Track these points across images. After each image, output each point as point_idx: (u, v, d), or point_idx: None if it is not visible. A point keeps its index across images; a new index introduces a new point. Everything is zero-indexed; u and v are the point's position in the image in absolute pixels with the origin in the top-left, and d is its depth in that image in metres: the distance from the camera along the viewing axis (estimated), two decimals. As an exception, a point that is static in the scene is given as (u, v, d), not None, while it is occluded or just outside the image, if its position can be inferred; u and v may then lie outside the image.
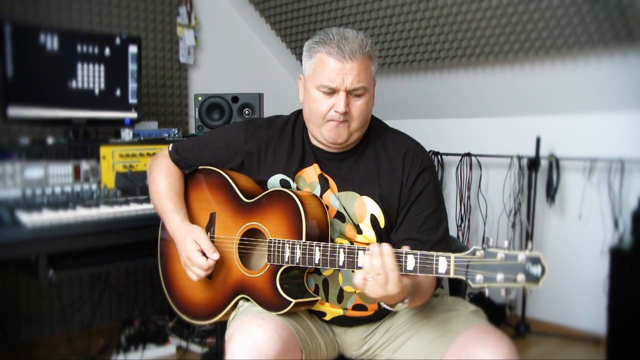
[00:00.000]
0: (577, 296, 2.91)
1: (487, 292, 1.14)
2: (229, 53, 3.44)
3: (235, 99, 2.62)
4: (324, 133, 1.45)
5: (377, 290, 1.22)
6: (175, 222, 1.56)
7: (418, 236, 1.42)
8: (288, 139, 1.56)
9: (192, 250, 1.47)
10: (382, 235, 1.47)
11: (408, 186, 1.46)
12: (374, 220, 1.46)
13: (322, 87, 1.41)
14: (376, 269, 1.21)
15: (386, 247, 1.23)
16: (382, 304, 1.32)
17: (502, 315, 3.04)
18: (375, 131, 1.54)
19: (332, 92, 1.41)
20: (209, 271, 1.49)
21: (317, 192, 1.50)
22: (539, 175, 2.95)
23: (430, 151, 3.29)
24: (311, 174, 1.52)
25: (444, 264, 1.18)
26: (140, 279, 2.95)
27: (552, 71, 2.75)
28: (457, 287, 1.71)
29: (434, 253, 1.20)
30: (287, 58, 3.63)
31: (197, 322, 1.63)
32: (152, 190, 1.67)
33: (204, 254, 1.48)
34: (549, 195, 2.93)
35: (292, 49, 3.53)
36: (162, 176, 1.65)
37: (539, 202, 2.99)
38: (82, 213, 1.83)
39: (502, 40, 2.69)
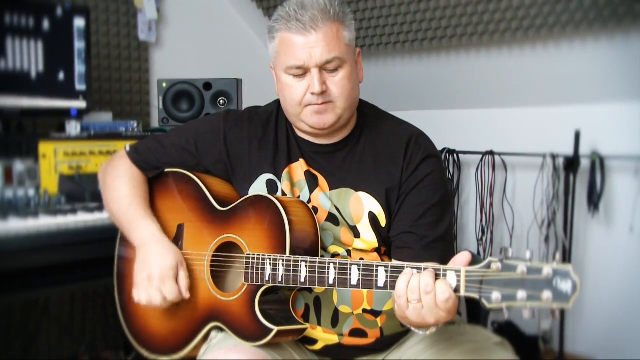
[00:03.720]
0: (629, 327, 2.91)
1: (506, 314, 1.15)
2: (199, 29, 3.44)
3: (207, 85, 2.63)
4: (306, 120, 1.49)
5: (427, 315, 1.21)
6: (151, 231, 1.56)
7: (414, 230, 1.45)
8: (272, 132, 1.60)
9: (170, 274, 1.49)
10: (384, 236, 1.50)
11: (408, 173, 1.49)
12: (373, 219, 1.49)
13: (290, 69, 1.46)
14: (425, 287, 1.20)
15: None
16: (415, 329, 1.32)
17: (534, 349, 3.03)
18: (370, 118, 1.59)
19: (304, 72, 1.45)
20: (164, 306, 1.50)
21: (306, 192, 1.53)
22: (579, 177, 2.96)
23: (444, 149, 3.30)
24: (298, 171, 1.56)
25: (454, 279, 1.19)
26: (89, 306, 2.94)
27: (595, 50, 2.76)
28: (476, 315, 1.73)
29: (442, 267, 1.21)
30: (270, 36, 3.63)
31: (160, 359, 1.62)
32: (110, 197, 1.68)
33: None
34: (592, 203, 2.94)
35: (276, 25, 3.53)
36: (123, 180, 1.66)
37: (579, 210, 3.00)
38: (15, 225, 1.82)
39: (534, 12, 2.70)
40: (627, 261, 2.92)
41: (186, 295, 1.50)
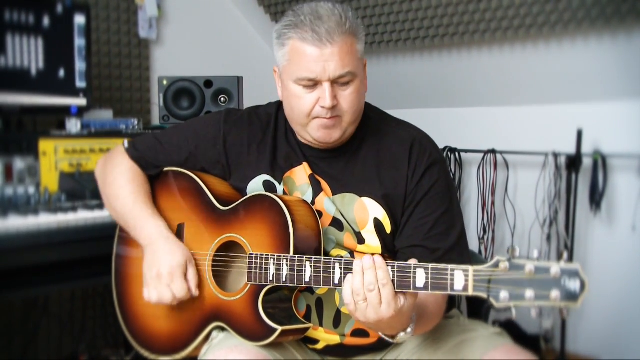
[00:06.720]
0: (631, 326, 2.91)
1: (514, 313, 1.15)
2: (200, 26, 3.44)
3: (208, 83, 2.63)
4: (312, 133, 1.48)
5: (370, 314, 1.23)
6: (159, 229, 1.56)
7: (425, 243, 1.45)
8: (271, 136, 1.59)
9: (179, 271, 1.48)
10: (389, 243, 1.49)
11: (414, 182, 1.48)
12: (378, 225, 1.48)
13: (300, 80, 1.43)
14: (368, 285, 1.23)
15: (378, 258, 1.25)
16: (381, 334, 1.33)
17: (535, 348, 3.03)
18: (373, 121, 1.57)
19: (314, 84, 1.42)
20: (173, 303, 1.50)
21: (309, 195, 1.52)
22: (581, 176, 2.95)
23: (445, 147, 3.30)
24: (301, 174, 1.54)
25: (461, 279, 1.19)
26: (89, 305, 2.93)
27: (597, 48, 2.75)
28: (477, 312, 1.74)
29: (449, 266, 1.21)
30: (271, 34, 3.61)
31: (160, 359, 1.62)
32: (112, 195, 1.66)
33: None
34: (594, 201, 2.94)
35: (277, 22, 3.52)
36: (125, 177, 1.65)
37: (581, 209, 2.99)
38: (15, 222, 1.82)
39: (536, 10, 2.70)
40: (629, 260, 2.92)
41: (195, 292, 1.49)
